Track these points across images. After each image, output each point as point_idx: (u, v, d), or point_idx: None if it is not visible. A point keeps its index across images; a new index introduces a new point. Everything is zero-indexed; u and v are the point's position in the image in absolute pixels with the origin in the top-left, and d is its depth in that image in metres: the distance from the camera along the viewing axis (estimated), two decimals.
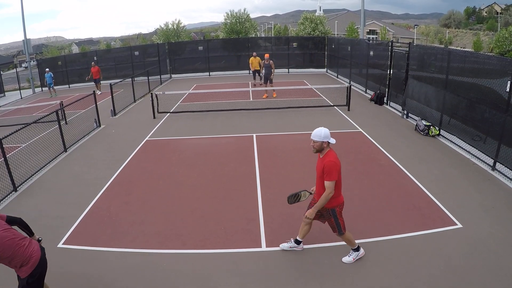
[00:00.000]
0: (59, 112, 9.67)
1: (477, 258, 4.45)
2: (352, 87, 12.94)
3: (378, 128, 10.17)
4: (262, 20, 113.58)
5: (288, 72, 22.78)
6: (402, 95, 11.41)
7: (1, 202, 6.60)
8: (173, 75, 23.38)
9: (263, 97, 14.71)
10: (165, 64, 23.16)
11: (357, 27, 43.92)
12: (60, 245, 5.16)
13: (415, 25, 72.47)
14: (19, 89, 21.83)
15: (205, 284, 4.28)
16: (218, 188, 6.73)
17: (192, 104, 13.44)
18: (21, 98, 20.65)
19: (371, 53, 14.67)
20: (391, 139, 9.14)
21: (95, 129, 11.27)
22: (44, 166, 8.22)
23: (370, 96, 13.96)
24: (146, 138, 10.10)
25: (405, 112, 11.14)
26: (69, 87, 22.86)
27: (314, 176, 4.34)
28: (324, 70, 22.76)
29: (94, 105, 11.57)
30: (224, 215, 5.75)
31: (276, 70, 15.33)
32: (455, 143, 8.48)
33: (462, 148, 8.20)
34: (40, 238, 3.75)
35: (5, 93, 23.05)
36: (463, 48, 50.59)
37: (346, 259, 4.52)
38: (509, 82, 6.51)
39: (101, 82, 18.96)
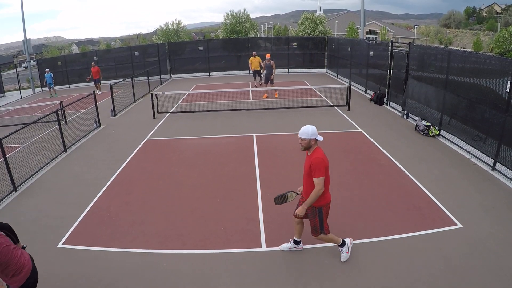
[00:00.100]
0: (59, 112, 9.68)
1: (477, 258, 4.45)
2: (352, 87, 12.93)
3: (378, 128, 10.17)
4: (262, 20, 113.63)
5: (288, 72, 22.78)
6: (402, 95, 11.41)
7: (1, 202, 6.60)
8: (173, 75, 23.38)
9: (263, 97, 14.71)
10: (165, 64, 23.16)
11: (357, 27, 43.92)
12: (60, 245, 5.16)
13: (415, 25, 72.51)
14: (19, 89, 21.84)
15: (205, 284, 4.28)
16: (218, 188, 6.73)
17: (192, 104, 13.44)
18: (21, 98, 20.66)
19: (371, 53, 14.67)
20: (391, 139, 9.14)
21: (95, 129, 11.27)
22: (44, 166, 8.22)
23: (370, 96, 13.95)
24: (146, 138, 10.10)
25: (405, 112, 11.14)
26: (69, 87, 22.87)
27: None
28: (324, 70, 22.77)
29: (94, 105, 11.57)
30: (224, 215, 5.75)
31: (276, 70, 15.33)
32: (455, 143, 8.48)
33: (462, 148, 8.20)
34: (24, 246, 3.56)
35: (5, 93, 23.06)
36: (463, 48, 50.61)
37: (343, 257, 4.52)
38: (509, 82, 6.51)
39: (101, 82, 18.97)
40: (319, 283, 4.19)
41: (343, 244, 4.52)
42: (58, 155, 8.98)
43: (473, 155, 7.72)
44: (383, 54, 13.41)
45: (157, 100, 12.38)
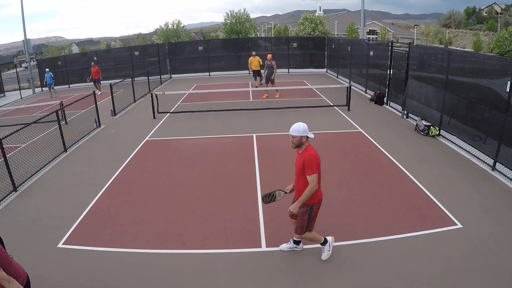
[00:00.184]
0: (59, 112, 9.68)
1: (477, 258, 4.45)
2: (352, 87, 12.94)
3: (378, 128, 10.17)
4: (262, 20, 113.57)
5: (288, 72, 22.78)
6: (402, 95, 11.41)
7: (1, 202, 6.60)
8: (173, 75, 23.38)
9: (263, 97, 14.72)
10: (165, 64, 23.16)
11: (357, 27, 43.91)
12: (60, 245, 5.16)
13: (415, 25, 72.50)
14: (19, 89, 21.84)
15: (205, 284, 4.28)
16: (218, 188, 6.73)
17: (192, 104, 13.44)
18: (21, 98, 20.66)
19: (371, 53, 14.67)
20: (391, 139, 9.14)
21: (95, 129, 11.27)
22: (44, 166, 8.22)
23: (370, 96, 13.95)
24: (146, 138, 10.10)
25: (405, 112, 11.14)
26: (69, 87, 22.87)
27: None
28: (324, 70, 22.77)
29: (94, 105, 11.57)
30: (224, 215, 5.75)
31: (276, 71, 15.32)
32: (455, 143, 8.48)
33: (462, 148, 8.20)
34: (11, 255, 3.34)
35: (5, 93, 23.06)
36: (463, 48, 50.61)
37: (324, 255, 4.51)
38: (509, 82, 6.51)
39: (101, 82, 18.97)
40: (319, 283, 4.19)
41: (325, 242, 4.52)
42: (58, 155, 8.98)
43: (473, 155, 7.72)
44: (383, 54, 13.41)
45: (157, 100, 12.38)
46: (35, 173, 7.83)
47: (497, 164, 6.95)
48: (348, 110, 12.14)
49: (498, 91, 7.02)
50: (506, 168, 6.67)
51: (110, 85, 13.09)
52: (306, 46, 23.91)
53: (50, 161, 8.54)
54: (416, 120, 9.93)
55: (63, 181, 7.53)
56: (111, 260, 4.77)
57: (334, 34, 50.85)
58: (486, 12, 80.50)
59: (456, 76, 8.74)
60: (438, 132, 9.17)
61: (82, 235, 5.38)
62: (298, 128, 4.04)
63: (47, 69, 19.84)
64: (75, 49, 72.53)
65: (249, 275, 4.38)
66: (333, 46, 21.65)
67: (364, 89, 15.35)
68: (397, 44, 15.07)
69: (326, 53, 23.11)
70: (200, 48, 23.91)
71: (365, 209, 5.74)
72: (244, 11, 36.70)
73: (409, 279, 4.16)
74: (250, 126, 10.79)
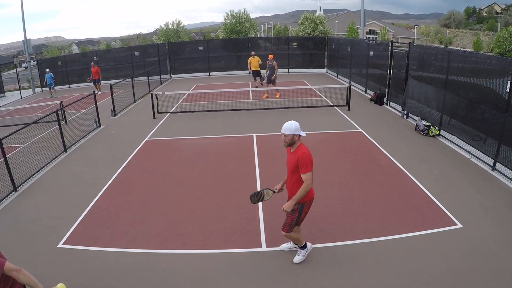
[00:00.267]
0: (59, 112, 9.68)
1: (477, 258, 4.45)
2: (352, 87, 12.93)
3: (378, 128, 10.17)
4: (262, 20, 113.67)
5: (288, 72, 22.78)
6: (402, 95, 11.41)
7: (1, 202, 6.61)
8: (173, 75, 23.38)
9: (263, 97, 14.72)
10: (165, 64, 23.16)
11: (357, 27, 43.92)
12: (60, 245, 5.16)
13: (415, 25, 72.50)
14: (19, 89, 21.85)
15: (205, 284, 4.28)
16: (218, 188, 6.73)
17: (192, 104, 13.44)
18: (21, 98, 20.67)
19: (371, 53, 14.66)
20: (391, 139, 9.14)
21: (95, 129, 11.27)
22: (44, 166, 8.22)
23: (370, 96, 13.95)
24: (146, 138, 10.10)
25: (405, 112, 11.14)
26: (69, 87, 22.87)
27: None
28: (324, 70, 22.77)
29: (94, 105, 11.57)
30: (224, 215, 5.75)
31: (277, 71, 15.32)
32: (455, 143, 8.48)
33: (462, 148, 8.20)
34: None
35: (5, 93, 23.06)
36: (463, 48, 50.61)
37: (297, 258, 4.49)
38: (509, 82, 6.51)
39: (101, 82, 18.97)
40: (319, 283, 4.19)
41: (304, 246, 4.51)
42: (58, 155, 8.98)
43: (473, 155, 7.72)
44: (383, 54, 13.41)
45: (157, 100, 12.38)
46: (35, 173, 7.83)
47: (497, 164, 6.95)
48: (348, 110, 12.14)
49: (498, 91, 7.02)
50: (506, 168, 6.67)
51: (110, 85, 13.09)
52: (306, 46, 23.90)
53: (50, 161, 8.54)
54: (416, 120, 9.93)
55: (63, 181, 7.53)
56: (111, 260, 4.77)
57: (334, 34, 50.85)
58: (486, 12, 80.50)
59: (456, 76, 8.74)
60: (438, 132, 9.17)
61: (82, 235, 5.38)
62: (290, 126, 4.03)
63: (47, 69, 19.84)
64: (75, 49, 72.55)
65: (249, 275, 4.38)
66: (333, 46, 21.65)
67: (364, 89, 15.34)
68: (397, 44, 15.07)
69: (326, 53, 23.10)
70: (200, 48, 23.90)
71: (365, 209, 5.74)
72: (244, 11, 36.77)
73: (409, 279, 4.16)
74: (250, 126, 10.78)
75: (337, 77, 19.85)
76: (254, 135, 9.82)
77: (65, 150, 9.27)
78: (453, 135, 8.65)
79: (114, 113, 13.07)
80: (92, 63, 19.05)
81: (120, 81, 15.40)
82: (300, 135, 4.05)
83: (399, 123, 10.68)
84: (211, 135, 10.08)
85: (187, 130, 10.75)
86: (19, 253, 4.94)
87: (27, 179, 7.54)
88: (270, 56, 14.64)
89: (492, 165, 7.07)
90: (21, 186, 7.27)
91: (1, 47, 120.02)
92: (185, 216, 5.78)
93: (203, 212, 5.86)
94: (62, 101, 12.95)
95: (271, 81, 14.62)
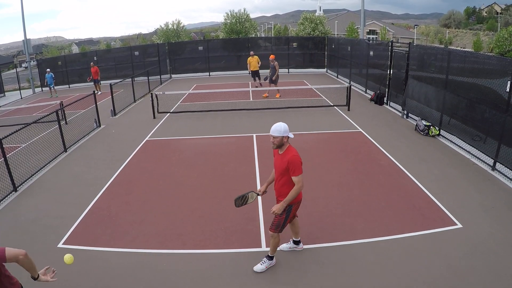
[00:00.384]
0: (59, 112, 9.67)
1: (477, 258, 4.45)
2: (352, 87, 12.93)
3: (378, 128, 10.17)
4: (262, 20, 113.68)
5: (288, 72, 22.77)
6: (402, 95, 11.41)
7: (1, 202, 6.60)
8: (173, 75, 23.38)
9: (263, 96, 14.72)
10: (165, 64, 23.16)
11: (357, 27, 43.91)
12: (60, 245, 5.16)
13: (415, 25, 72.49)
14: (19, 89, 21.84)
15: (205, 284, 4.28)
16: (218, 188, 6.73)
17: (192, 104, 13.44)
18: (21, 98, 20.66)
19: (371, 53, 14.66)
20: (391, 139, 9.14)
21: (95, 129, 11.27)
22: (44, 166, 8.22)
23: (370, 96, 13.95)
24: (146, 138, 10.10)
25: (405, 112, 11.14)
26: (69, 87, 22.87)
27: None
28: (324, 70, 22.77)
29: (94, 105, 11.57)
30: (224, 215, 5.75)
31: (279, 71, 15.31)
32: (455, 143, 8.48)
33: (462, 148, 8.19)
34: None
35: (5, 93, 23.06)
36: (463, 48, 50.61)
37: (258, 267, 4.38)
38: (509, 82, 6.50)
39: (101, 82, 18.97)
40: (319, 283, 4.19)
41: (271, 258, 4.41)
42: (58, 155, 8.98)
43: (473, 155, 7.72)
44: (383, 54, 13.41)
45: (157, 100, 12.38)
46: (35, 173, 7.83)
47: (497, 164, 6.94)
48: (348, 110, 12.14)
49: (498, 91, 7.02)
50: (506, 168, 6.67)
51: (110, 85, 13.09)
52: (306, 46, 23.90)
53: (50, 161, 8.54)
54: (416, 120, 9.93)
55: (63, 181, 7.53)
56: (111, 260, 4.77)
57: (334, 34, 50.84)
58: (486, 12, 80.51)
59: (456, 76, 8.74)
60: (438, 132, 9.17)
61: (82, 235, 5.38)
62: (280, 128, 4.03)
63: (48, 69, 19.84)
64: (75, 49, 72.55)
65: (249, 275, 4.38)
66: (333, 46, 21.65)
67: (364, 89, 15.34)
68: (397, 44, 15.06)
69: (326, 53, 23.10)
70: (200, 48, 23.90)
71: (365, 209, 5.73)
72: (244, 11, 36.78)
73: (409, 279, 4.16)
74: (250, 126, 10.78)
75: (337, 77, 19.84)
76: (254, 135, 9.82)
77: (65, 150, 9.27)
78: (453, 135, 8.65)
79: (114, 113, 13.07)
80: (92, 63, 19.06)
81: (120, 81, 15.40)
82: (288, 137, 4.04)
83: (399, 123, 10.68)
84: (211, 135, 10.08)
85: (187, 130, 10.75)
86: None
87: (27, 179, 7.54)
88: (272, 57, 14.65)
89: (492, 165, 7.07)
90: (21, 186, 7.27)
91: (1, 47, 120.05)
92: (185, 216, 5.78)
93: (203, 212, 5.86)
94: (62, 101, 12.95)
95: (272, 81, 14.63)
